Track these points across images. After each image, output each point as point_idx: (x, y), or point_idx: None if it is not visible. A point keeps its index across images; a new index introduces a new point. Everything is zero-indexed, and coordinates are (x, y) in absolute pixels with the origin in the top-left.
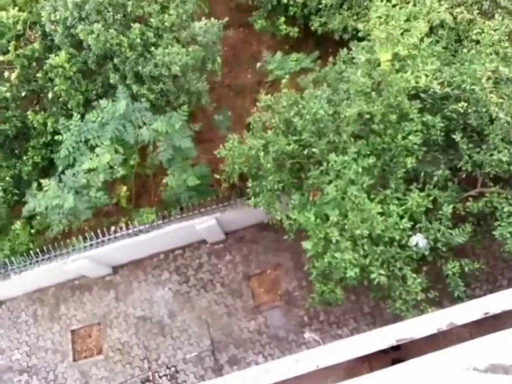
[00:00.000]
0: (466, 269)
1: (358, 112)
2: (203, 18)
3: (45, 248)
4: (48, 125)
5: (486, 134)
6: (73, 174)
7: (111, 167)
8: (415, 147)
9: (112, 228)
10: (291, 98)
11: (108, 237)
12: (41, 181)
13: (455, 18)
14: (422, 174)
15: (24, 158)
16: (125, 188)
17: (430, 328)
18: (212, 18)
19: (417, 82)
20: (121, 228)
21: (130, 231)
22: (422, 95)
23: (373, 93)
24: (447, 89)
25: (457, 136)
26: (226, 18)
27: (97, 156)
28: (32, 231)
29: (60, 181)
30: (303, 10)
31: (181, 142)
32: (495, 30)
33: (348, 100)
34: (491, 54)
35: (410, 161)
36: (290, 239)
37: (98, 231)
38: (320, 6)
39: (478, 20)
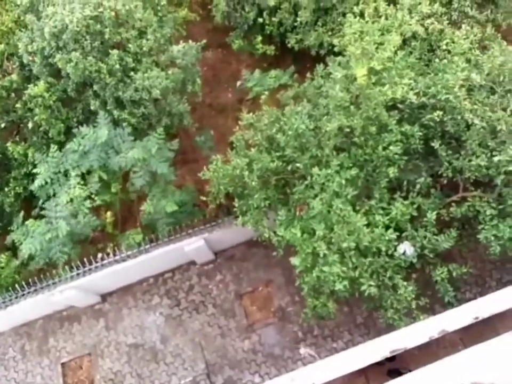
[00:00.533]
0: (454, 274)
1: (339, 126)
2: (181, 41)
3: (30, 280)
4: (29, 155)
5: (464, 140)
6: (55, 205)
7: (89, 197)
8: (396, 157)
9: (99, 255)
10: (272, 115)
11: (95, 265)
12: (27, 222)
13: (426, 29)
14: (405, 182)
15: (6, 189)
16: (109, 214)
17: (422, 336)
18: (190, 41)
19: (394, 94)
20: (108, 254)
21: (118, 257)
22: (400, 105)
23: (352, 107)
24: (423, 99)
25: (436, 144)
26: (204, 40)
27: (73, 187)
28: (17, 262)
29: (43, 216)
30: (279, 29)
31: (158, 167)
32: (464, 39)
33: (328, 115)
34: (463, 63)
35: (392, 171)
36: (279, 255)
37: (85, 259)
38: (296, 24)
39: (448, 30)
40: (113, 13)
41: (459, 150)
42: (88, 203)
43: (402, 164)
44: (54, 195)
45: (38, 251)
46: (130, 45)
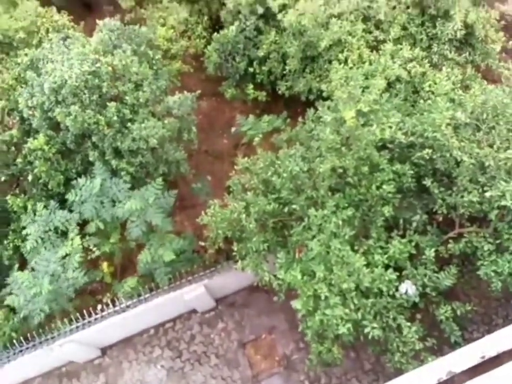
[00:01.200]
0: (459, 312)
1: (332, 167)
2: (176, 92)
3: (28, 335)
4: (29, 207)
5: (454, 176)
6: (46, 260)
7: (86, 248)
8: (390, 195)
9: (99, 307)
10: (267, 159)
11: (94, 317)
12: (15, 274)
13: (409, 72)
14: (401, 220)
15: (5, 242)
16: (106, 264)
17: (431, 380)
18: (185, 91)
19: (382, 134)
20: (107, 305)
21: (117, 307)
22: (389, 145)
23: (343, 148)
24: (412, 138)
25: (428, 182)
26: (199, 90)
27: (71, 240)
28: (15, 319)
29: (33, 269)
30: (269, 77)
31: (153, 218)
32: (446, 80)
33: (321, 157)
34: (447, 102)
35: (387, 210)
36: (281, 300)
37: (84, 311)
38: (285, 72)
39: (430, 73)
40: (110, 68)
41: (451, 187)
42: (78, 257)
43: (397, 202)
44: (46, 250)
45: (22, 305)
46: (127, 97)
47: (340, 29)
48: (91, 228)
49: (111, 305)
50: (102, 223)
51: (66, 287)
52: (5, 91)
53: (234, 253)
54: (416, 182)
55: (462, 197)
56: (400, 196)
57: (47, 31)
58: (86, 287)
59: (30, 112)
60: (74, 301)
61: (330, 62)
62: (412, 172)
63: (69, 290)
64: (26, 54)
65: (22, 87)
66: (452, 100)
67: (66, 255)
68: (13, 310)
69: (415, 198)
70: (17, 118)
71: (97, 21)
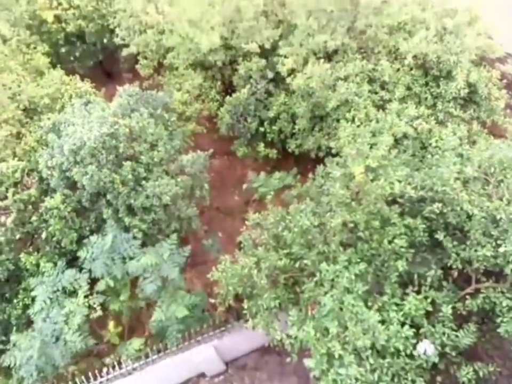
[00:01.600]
0: (481, 374)
1: (342, 222)
2: (190, 151)
3: None
4: (41, 265)
5: (467, 230)
6: (50, 319)
7: (90, 307)
8: (402, 250)
9: (105, 369)
10: (278, 214)
11: (99, 380)
12: (13, 337)
13: (415, 129)
14: (416, 276)
15: (15, 301)
16: (113, 324)
17: None
18: (198, 151)
19: (392, 189)
20: (113, 367)
21: (123, 370)
22: (399, 200)
23: (353, 203)
24: (421, 193)
25: (440, 236)
26: (211, 150)
27: (76, 297)
28: (13, 379)
29: (33, 329)
30: (279, 136)
31: (170, 273)
32: (452, 136)
33: (331, 211)
34: (455, 157)
35: (401, 264)
36: (294, 361)
37: (90, 374)
38: (294, 131)
39: (436, 129)
40: (127, 130)
41: (464, 241)
42: (79, 318)
43: (410, 257)
44: (52, 310)
45: (17, 366)
46: (142, 157)
47: (347, 90)
48: (101, 285)
49: (117, 368)
50: (112, 281)
51: (60, 352)
52: (27, 152)
53: (244, 311)
54: (429, 236)
55: (476, 251)
56: (413, 250)
57: (70, 97)
58: (92, 349)
59: (49, 172)
60: (80, 364)
61: (338, 120)
62: (423, 226)
63: (66, 354)
64: (49, 118)
65: (43, 148)
66: (460, 155)
67: (71, 312)
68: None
69: (428, 252)
70: (36, 178)
71: (117, 87)
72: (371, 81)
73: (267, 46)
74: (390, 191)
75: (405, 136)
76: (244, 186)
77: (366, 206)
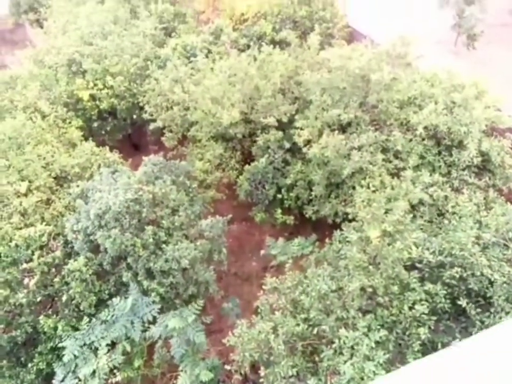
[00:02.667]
0: None
1: (361, 286)
2: (209, 216)
3: None
4: (59, 328)
5: (489, 296)
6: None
7: (111, 370)
8: (424, 317)
9: None
10: (295, 278)
11: None
12: None
13: (431, 196)
14: (440, 345)
15: (29, 365)
16: None
17: None
18: (217, 216)
19: (409, 253)
20: None
21: None
22: (418, 265)
23: (371, 267)
24: (440, 258)
25: (463, 302)
26: (230, 215)
27: (100, 357)
28: None
29: None
30: (296, 202)
31: (195, 336)
32: (468, 202)
33: (349, 276)
34: (472, 223)
35: (423, 332)
36: None
37: None
38: (311, 197)
39: (451, 196)
40: (151, 195)
41: (488, 308)
42: (96, 382)
43: (433, 325)
44: (75, 371)
45: None
46: (163, 221)
47: (361, 159)
48: (118, 350)
49: None
50: (129, 345)
51: None
52: (54, 217)
53: (261, 379)
54: (451, 303)
55: (501, 318)
56: (436, 317)
57: (99, 166)
58: None
59: (74, 236)
60: None
61: (354, 187)
62: (444, 292)
63: None
64: (78, 185)
65: (70, 214)
66: (478, 222)
67: (95, 371)
68: None
69: (452, 320)
70: (62, 241)
71: (143, 157)
72: (385, 150)
73: (284, 119)
74: (408, 255)
75: (421, 202)
76: (262, 252)
77: (384, 270)
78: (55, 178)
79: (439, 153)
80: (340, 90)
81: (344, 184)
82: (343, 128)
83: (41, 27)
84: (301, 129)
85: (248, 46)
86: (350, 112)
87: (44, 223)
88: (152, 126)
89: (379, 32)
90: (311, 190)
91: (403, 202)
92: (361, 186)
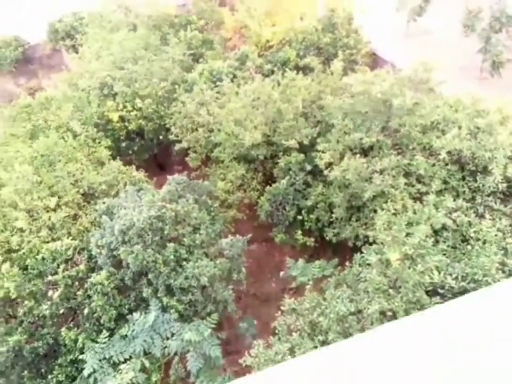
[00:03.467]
0: None
1: (380, 310)
2: (229, 235)
3: None
4: (79, 341)
5: None
6: None
7: None
8: None
9: None
10: (314, 300)
11: None
12: None
13: (454, 221)
14: None
15: (49, 377)
16: None
17: None
18: (237, 235)
19: (431, 278)
20: None
21: None
22: (440, 290)
23: (391, 290)
24: (463, 283)
25: None
26: (250, 235)
27: (120, 373)
28: None
29: None
30: (317, 224)
31: (211, 350)
32: (491, 227)
33: (368, 298)
34: (498, 249)
35: None
36: None
37: None
38: (332, 219)
39: (475, 222)
40: (173, 213)
41: None
42: None
43: None
44: None
45: None
46: (185, 239)
47: (383, 182)
48: (136, 365)
49: None
50: (148, 361)
51: None
52: (80, 232)
53: None
54: None
55: None
56: None
57: (125, 184)
58: None
59: (98, 251)
60: None
61: (375, 211)
62: None
63: None
64: (104, 202)
65: (95, 229)
66: (503, 248)
67: None
68: None
69: None
70: (86, 256)
71: (168, 177)
72: (407, 174)
73: (306, 142)
74: (430, 280)
75: (444, 227)
76: (281, 273)
77: (404, 294)
78: (83, 194)
79: (463, 178)
80: (362, 115)
81: (365, 207)
82: (365, 151)
83: (77, 52)
84: (323, 152)
85: (273, 72)
86: (372, 136)
87: (70, 238)
88: (177, 147)
89: (402, 58)
90: (331, 212)
91: (425, 227)
92: (383, 209)
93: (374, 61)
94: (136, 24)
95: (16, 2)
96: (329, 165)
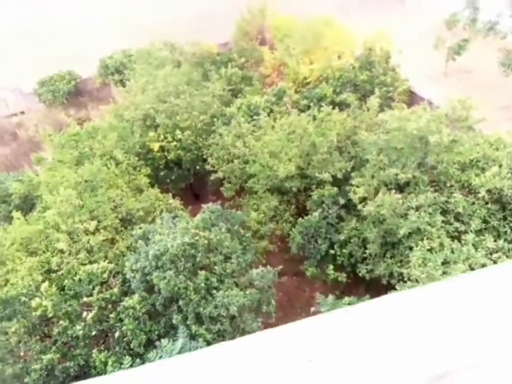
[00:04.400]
0: None
1: None
2: (260, 266)
3: None
4: (109, 363)
5: None
6: None
7: None
8: None
9: None
10: None
11: None
12: None
13: (495, 262)
14: None
15: None
16: None
17: None
18: (268, 267)
19: None
20: None
21: None
22: None
23: None
24: None
25: None
26: (281, 267)
27: None
28: None
29: None
30: (349, 259)
31: None
32: None
33: None
34: None
35: None
36: None
37: None
38: (365, 255)
39: None
40: (206, 241)
41: None
42: None
43: None
44: None
45: None
46: (216, 267)
47: (419, 219)
48: None
49: None
50: None
51: None
52: (117, 256)
53: None
54: None
55: None
56: None
57: (161, 211)
58: None
59: (132, 275)
60: None
61: (410, 248)
62: None
63: None
64: (140, 228)
65: (131, 254)
66: None
67: None
68: None
69: None
70: (120, 279)
71: (202, 205)
72: (444, 212)
73: (339, 176)
74: None
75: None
76: (312, 309)
77: None
78: (121, 220)
79: (505, 218)
80: (397, 151)
81: (400, 244)
82: (400, 187)
83: (124, 86)
84: (357, 186)
85: (309, 107)
86: (408, 172)
87: (107, 261)
88: (213, 177)
89: (440, 96)
90: (365, 248)
91: (463, 266)
92: (418, 246)
93: (411, 98)
94: (181, 61)
95: (71, 39)
96: (363, 199)
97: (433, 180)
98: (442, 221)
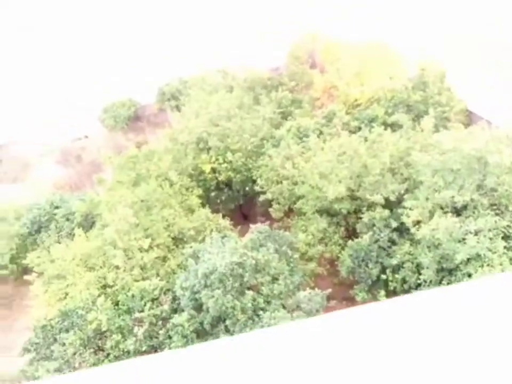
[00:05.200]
0: None
1: None
2: (308, 289)
3: None
4: None
5: None
6: None
7: None
8: None
9: None
10: None
11: None
12: None
13: None
14: None
15: None
16: None
17: None
18: (316, 289)
19: None
20: None
21: None
22: None
23: None
24: None
25: None
26: (330, 290)
27: None
28: None
29: None
30: (403, 285)
31: None
32: None
33: None
34: None
35: None
36: None
37: None
38: (420, 281)
39: None
40: (254, 261)
41: None
42: None
43: None
44: None
45: None
46: (263, 288)
47: (478, 244)
48: None
49: None
50: None
51: None
52: (168, 274)
53: None
54: None
55: None
56: None
57: (211, 231)
58: None
59: (182, 292)
60: None
61: (469, 275)
62: None
63: None
64: (191, 247)
65: (181, 272)
66: None
67: None
68: None
69: None
70: (170, 296)
71: (251, 226)
72: (506, 237)
73: (392, 198)
74: None
75: None
76: None
77: None
78: (173, 238)
79: None
80: (454, 172)
81: (458, 270)
82: (457, 211)
83: (179, 111)
84: (410, 209)
85: (359, 128)
86: (465, 195)
87: (158, 278)
88: (262, 198)
89: (499, 115)
90: (419, 274)
91: None
92: (477, 273)
93: (469, 118)
94: (233, 86)
95: (131, 69)
96: (417, 223)
97: (494, 203)
98: (504, 247)
